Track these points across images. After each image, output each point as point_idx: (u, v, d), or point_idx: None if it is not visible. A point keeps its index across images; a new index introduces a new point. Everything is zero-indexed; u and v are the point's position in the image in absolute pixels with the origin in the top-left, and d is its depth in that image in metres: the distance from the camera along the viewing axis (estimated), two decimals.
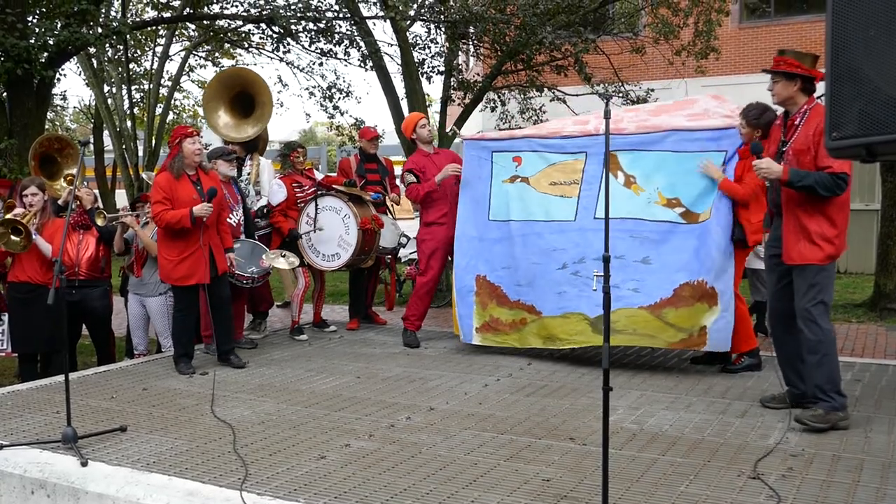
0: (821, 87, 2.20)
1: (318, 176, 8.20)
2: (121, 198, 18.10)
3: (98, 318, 6.97)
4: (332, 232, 7.77)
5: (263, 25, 12.35)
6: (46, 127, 12.87)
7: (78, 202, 6.67)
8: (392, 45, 12.79)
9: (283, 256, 7.29)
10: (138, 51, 17.80)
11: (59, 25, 9.38)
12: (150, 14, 15.43)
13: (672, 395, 5.45)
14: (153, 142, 17.39)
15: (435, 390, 5.74)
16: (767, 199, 5.18)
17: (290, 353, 7.14)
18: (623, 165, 6.54)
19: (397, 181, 8.49)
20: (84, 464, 4.22)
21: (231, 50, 18.04)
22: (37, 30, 9.13)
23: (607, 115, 3.47)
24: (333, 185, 7.92)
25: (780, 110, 5.10)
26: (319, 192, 7.85)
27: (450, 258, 7.43)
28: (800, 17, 17.34)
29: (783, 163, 4.76)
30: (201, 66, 20.01)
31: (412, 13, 11.63)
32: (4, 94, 9.24)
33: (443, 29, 12.09)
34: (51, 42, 8.92)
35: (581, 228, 6.58)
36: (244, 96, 7.98)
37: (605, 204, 3.40)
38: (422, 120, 7.48)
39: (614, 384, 4.84)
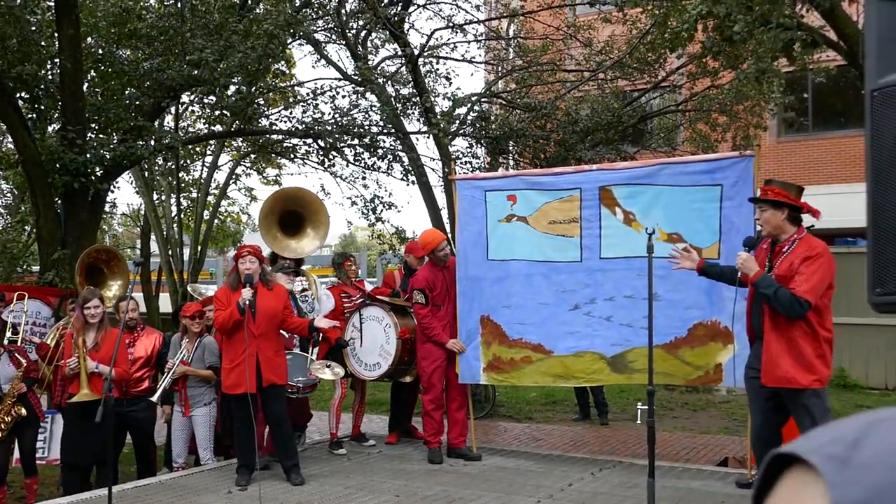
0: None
1: (369, 287, 8.34)
2: (164, 301, 18.36)
3: (142, 430, 7.07)
4: (374, 341, 7.83)
5: (310, 140, 12.77)
6: None
7: (131, 316, 6.89)
8: (434, 158, 13.13)
9: (329, 367, 7.34)
10: (188, 160, 18.38)
11: (115, 140, 9.76)
12: (201, 126, 15.99)
13: None
14: (199, 248, 17.80)
15: None
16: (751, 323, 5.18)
17: (329, 468, 7.10)
18: (620, 201, 6.72)
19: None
20: None
21: (276, 160, 18.56)
22: (94, 145, 9.47)
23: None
24: (378, 296, 8.05)
25: None
26: (365, 302, 7.98)
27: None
28: (838, 132, 17.48)
29: None
30: (247, 175, 20.61)
31: (454, 128, 11.96)
32: (60, 205, 9.55)
33: (484, 144, 12.41)
34: (107, 156, 9.24)
35: (588, 269, 6.83)
36: (293, 213, 8.21)
37: (649, 273, 3.43)
38: (442, 242, 7.35)
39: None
